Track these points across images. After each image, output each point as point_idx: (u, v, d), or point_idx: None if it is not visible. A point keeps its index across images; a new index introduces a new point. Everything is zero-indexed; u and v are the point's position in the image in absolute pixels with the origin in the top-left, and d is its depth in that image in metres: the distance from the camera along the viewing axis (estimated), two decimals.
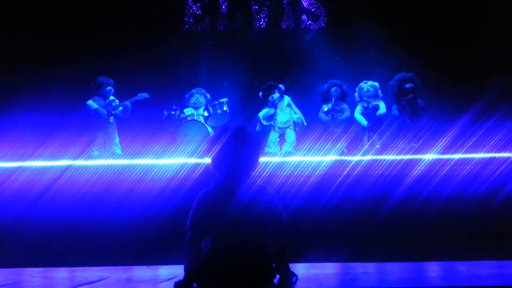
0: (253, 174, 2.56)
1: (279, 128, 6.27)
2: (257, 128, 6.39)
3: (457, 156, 4.79)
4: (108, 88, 6.25)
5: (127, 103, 6.29)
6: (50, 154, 5.10)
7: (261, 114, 6.34)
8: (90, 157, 5.54)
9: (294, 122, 6.28)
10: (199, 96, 6.53)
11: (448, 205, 4.53)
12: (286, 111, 6.29)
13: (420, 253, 4.46)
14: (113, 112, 6.24)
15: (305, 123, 6.27)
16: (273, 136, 6.28)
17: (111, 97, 6.28)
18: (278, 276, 2.60)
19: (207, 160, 2.56)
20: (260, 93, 6.36)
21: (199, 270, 2.52)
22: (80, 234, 4.55)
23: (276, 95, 6.25)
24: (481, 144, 4.94)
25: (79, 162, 5.02)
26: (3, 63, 6.68)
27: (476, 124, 5.36)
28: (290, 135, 6.25)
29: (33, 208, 4.66)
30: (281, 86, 6.30)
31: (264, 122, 6.32)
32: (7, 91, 6.61)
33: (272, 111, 6.28)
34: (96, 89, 6.24)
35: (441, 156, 4.81)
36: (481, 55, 6.87)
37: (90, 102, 6.19)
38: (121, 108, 6.29)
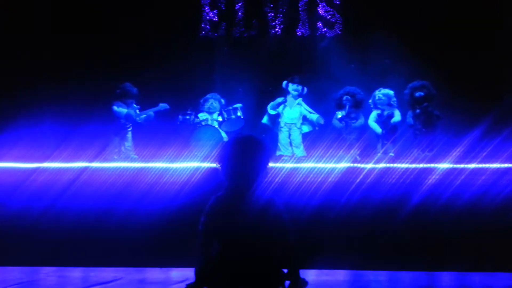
0: (264, 180, 2.59)
1: (285, 123, 6.25)
2: (264, 120, 6.41)
3: (471, 165, 4.74)
4: (133, 95, 6.27)
5: (151, 113, 6.32)
6: (68, 155, 5.20)
7: (270, 104, 6.35)
8: (109, 160, 5.61)
9: (313, 123, 6.24)
10: (213, 101, 6.59)
11: (462, 215, 4.48)
12: (295, 109, 6.27)
13: (432, 263, 4.42)
14: (137, 119, 6.32)
15: (322, 122, 6.20)
16: (282, 137, 6.25)
17: (135, 105, 6.34)
18: (288, 282, 2.62)
19: (217, 166, 2.59)
20: (284, 82, 6.32)
21: (209, 274, 2.55)
22: (95, 235, 4.64)
23: (299, 87, 6.25)
24: (497, 154, 4.87)
25: (95, 164, 5.11)
26: (24, 65, 6.82)
27: (491, 133, 5.29)
28: (296, 136, 6.22)
29: (50, 209, 4.77)
30: (305, 88, 6.32)
31: (271, 111, 6.30)
32: (28, 92, 6.75)
33: (280, 99, 6.27)
34: (121, 95, 6.26)
35: (455, 166, 4.76)
36: (498, 65, 6.79)
37: (116, 108, 6.20)
38: (143, 116, 6.36)
